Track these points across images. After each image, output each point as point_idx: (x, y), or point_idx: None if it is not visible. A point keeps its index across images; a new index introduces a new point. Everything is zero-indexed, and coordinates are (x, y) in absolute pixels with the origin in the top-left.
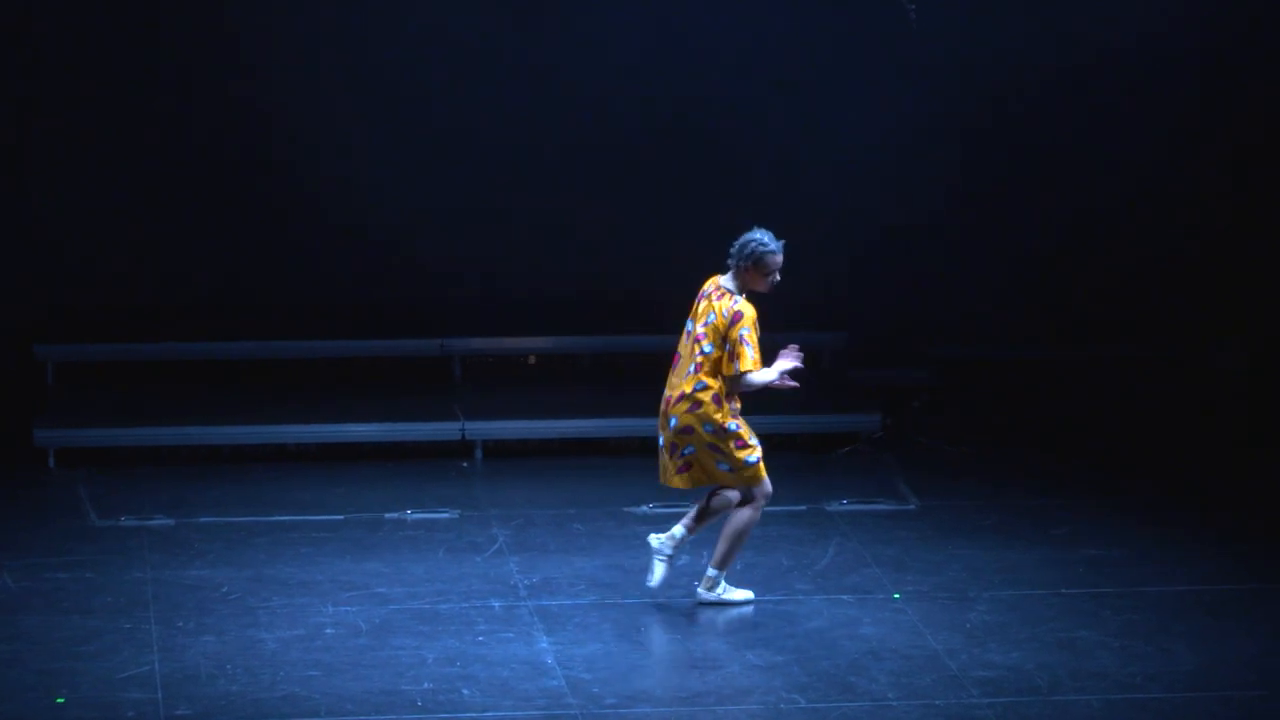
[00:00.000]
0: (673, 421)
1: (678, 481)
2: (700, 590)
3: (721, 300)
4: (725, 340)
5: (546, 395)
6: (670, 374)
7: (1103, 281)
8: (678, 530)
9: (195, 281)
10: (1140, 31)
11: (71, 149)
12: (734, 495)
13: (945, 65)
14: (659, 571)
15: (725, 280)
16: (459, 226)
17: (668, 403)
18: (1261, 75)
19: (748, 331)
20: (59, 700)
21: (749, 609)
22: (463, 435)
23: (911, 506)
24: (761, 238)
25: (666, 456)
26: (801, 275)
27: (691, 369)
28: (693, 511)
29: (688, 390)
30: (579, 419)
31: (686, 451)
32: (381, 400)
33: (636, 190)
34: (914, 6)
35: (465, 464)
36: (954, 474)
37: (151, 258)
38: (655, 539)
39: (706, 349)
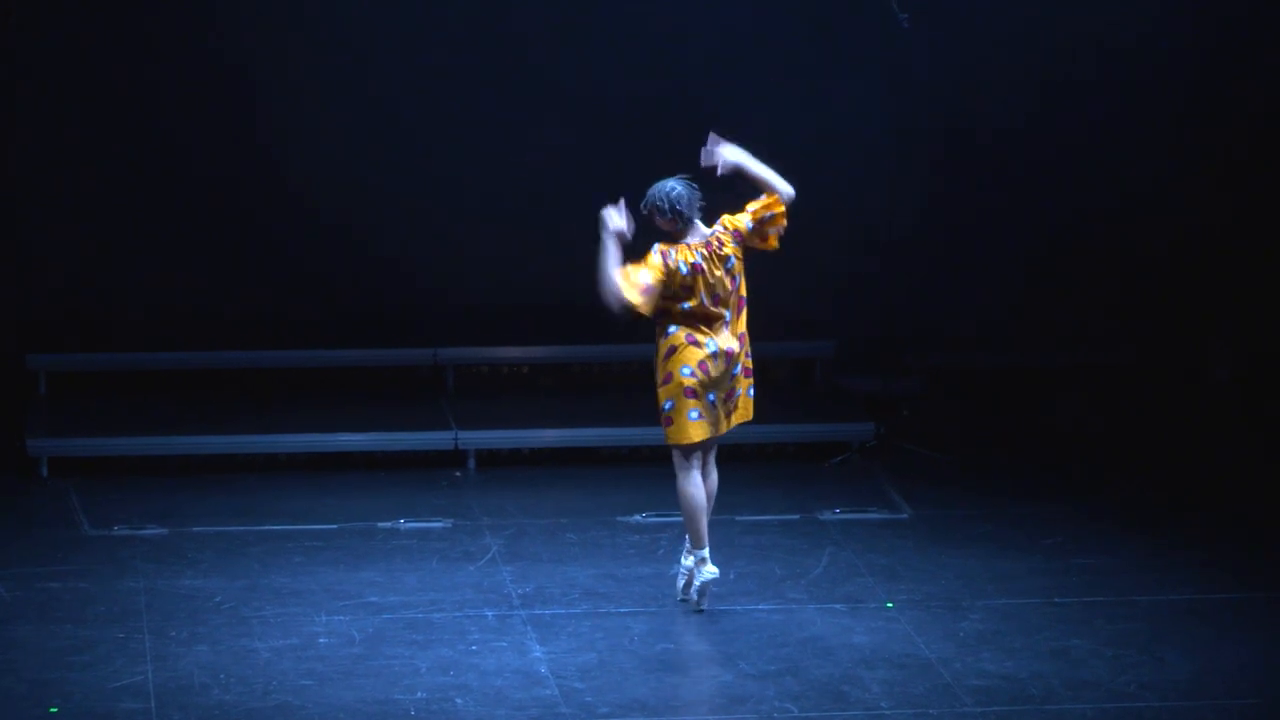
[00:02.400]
0: (737, 369)
1: (727, 425)
2: (711, 572)
3: (724, 247)
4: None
5: (539, 404)
6: (709, 330)
7: (1091, 289)
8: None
9: (187, 291)
10: (1128, 40)
11: (61, 159)
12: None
13: (931, 72)
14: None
15: (703, 229)
16: (452, 236)
17: (730, 356)
18: (1249, 83)
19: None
20: (52, 710)
21: (744, 618)
22: (455, 445)
23: (904, 515)
24: (670, 191)
25: (720, 411)
26: (788, 284)
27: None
28: (703, 527)
29: (744, 330)
30: (572, 428)
31: (746, 393)
32: (374, 410)
33: (630, 199)
34: (906, 15)
35: (458, 473)
36: (945, 483)
37: (143, 268)
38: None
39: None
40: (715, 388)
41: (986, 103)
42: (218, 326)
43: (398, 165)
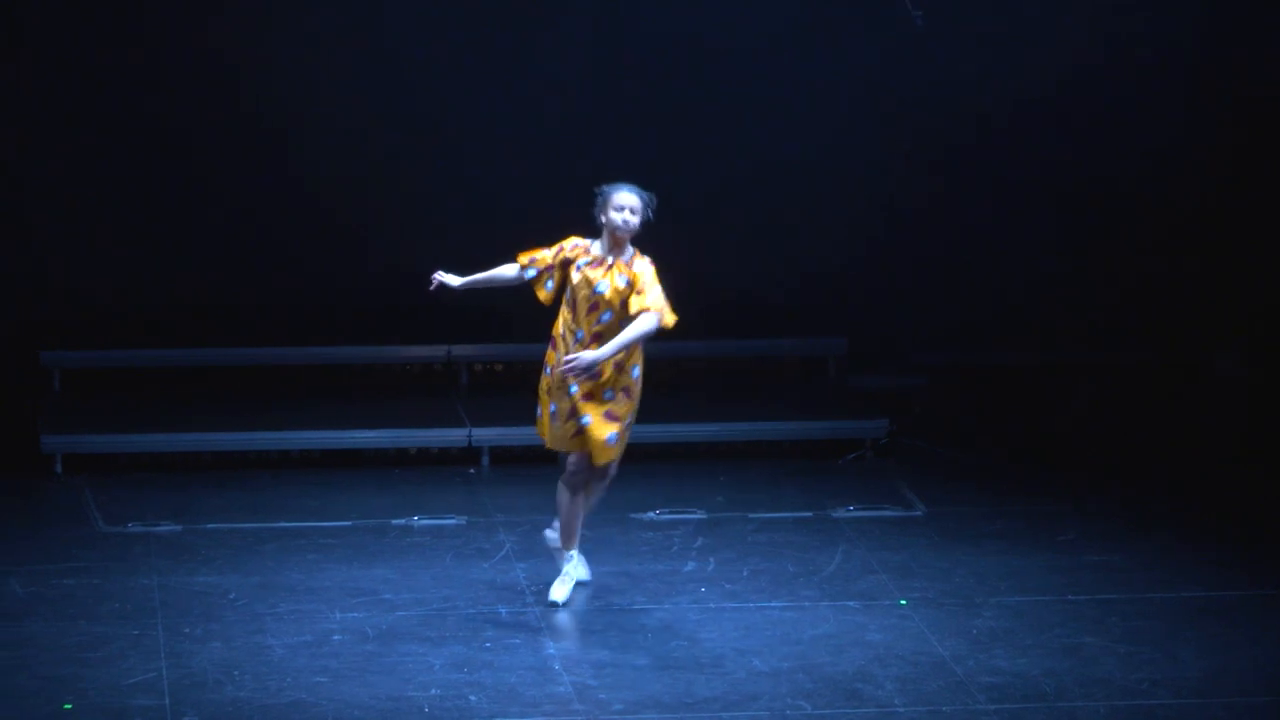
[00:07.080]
0: (573, 388)
1: (566, 445)
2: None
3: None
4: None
5: None
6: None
7: (1101, 287)
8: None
9: (201, 287)
10: (1132, 38)
11: (73, 155)
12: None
13: (936, 70)
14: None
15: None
16: (465, 232)
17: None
18: (1256, 79)
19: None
20: (66, 706)
21: (757, 615)
22: (469, 442)
23: (917, 513)
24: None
25: (560, 424)
26: (801, 282)
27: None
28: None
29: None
30: None
31: (581, 420)
32: (388, 406)
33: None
34: (920, 13)
35: (472, 470)
36: (958, 480)
37: (157, 264)
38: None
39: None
40: (554, 399)
41: (992, 102)
42: (231, 323)
43: (410, 162)
